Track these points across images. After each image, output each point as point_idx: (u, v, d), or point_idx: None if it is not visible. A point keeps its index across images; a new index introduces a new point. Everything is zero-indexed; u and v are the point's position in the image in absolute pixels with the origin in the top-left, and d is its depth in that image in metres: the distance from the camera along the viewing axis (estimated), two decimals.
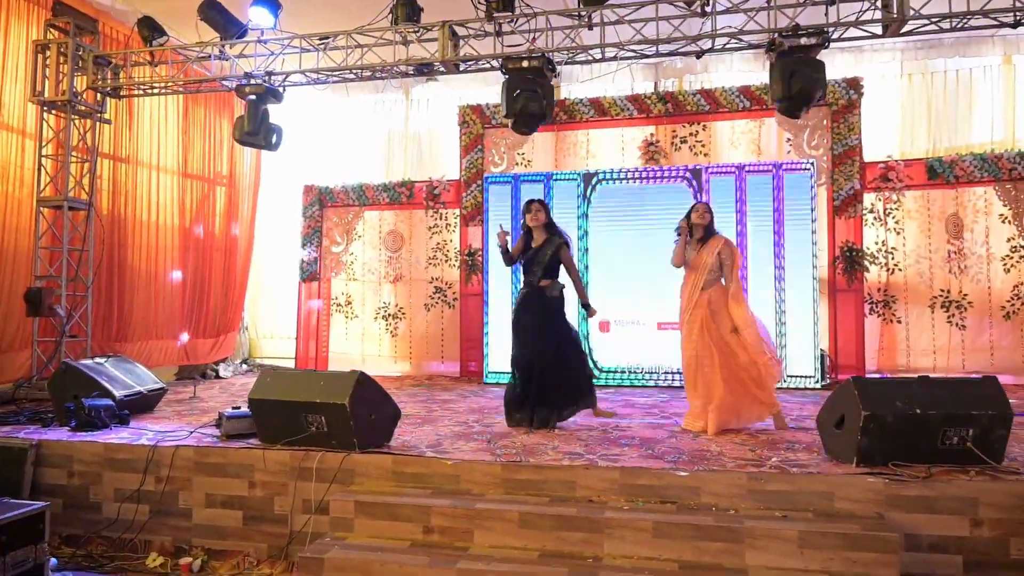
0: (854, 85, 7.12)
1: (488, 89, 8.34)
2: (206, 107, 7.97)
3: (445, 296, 8.23)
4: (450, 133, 8.30)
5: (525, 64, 4.52)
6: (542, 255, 4.72)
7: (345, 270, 8.54)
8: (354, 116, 8.93)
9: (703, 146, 7.62)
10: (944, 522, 2.95)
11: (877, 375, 7.16)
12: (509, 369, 4.81)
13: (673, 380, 6.85)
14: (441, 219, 8.28)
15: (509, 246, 4.74)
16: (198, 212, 7.97)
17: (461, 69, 5.21)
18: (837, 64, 7.52)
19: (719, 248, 4.47)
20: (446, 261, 8.25)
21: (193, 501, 3.79)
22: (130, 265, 6.90)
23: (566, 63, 5.18)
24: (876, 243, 7.22)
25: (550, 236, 4.74)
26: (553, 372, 4.63)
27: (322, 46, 5.05)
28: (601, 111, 7.73)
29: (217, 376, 7.91)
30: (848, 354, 7.05)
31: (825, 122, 7.23)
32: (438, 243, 8.28)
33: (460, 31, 5.06)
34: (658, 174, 7.15)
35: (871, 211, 7.22)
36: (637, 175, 7.24)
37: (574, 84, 8.22)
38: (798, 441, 3.91)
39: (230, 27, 5.29)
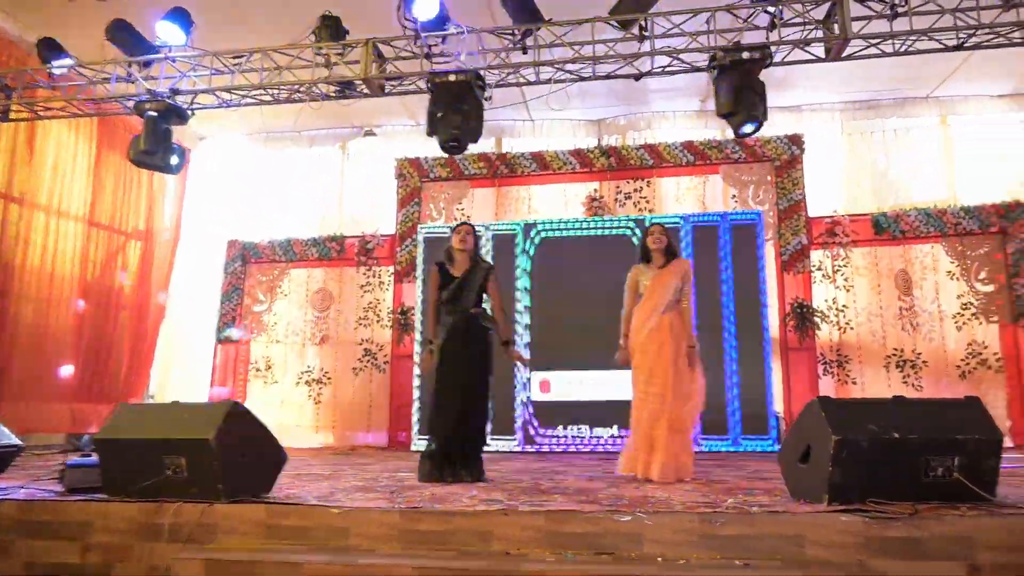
0: (796, 141, 7.05)
1: (429, 143, 8.03)
2: (124, 153, 7.42)
3: (375, 359, 7.57)
4: (387, 189, 7.92)
5: (452, 78, 4.17)
6: (472, 281, 4.12)
7: (267, 331, 7.84)
8: (287, 171, 8.50)
9: (647, 202, 7.39)
10: (937, 569, 2.39)
11: None
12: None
13: (619, 446, 6.24)
14: (374, 276, 7.75)
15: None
16: (105, 266, 7.26)
17: (386, 91, 4.85)
18: (777, 123, 7.49)
19: (684, 271, 4.12)
20: (377, 321, 7.66)
21: (7, 571, 2.97)
22: (12, 316, 6.10)
23: (497, 85, 4.87)
24: (826, 301, 6.95)
25: (476, 263, 4.20)
26: (480, 417, 4.07)
27: (236, 65, 4.65)
28: (543, 165, 7.48)
29: None
30: None
31: (769, 177, 7.11)
32: (370, 302, 7.71)
33: (386, 51, 4.74)
34: (602, 225, 6.83)
35: (819, 268, 6.99)
36: (580, 227, 6.89)
37: (516, 139, 8.02)
38: (757, 488, 3.35)
39: (139, 48, 4.86)
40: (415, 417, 6.77)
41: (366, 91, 4.72)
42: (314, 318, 7.80)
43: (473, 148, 7.97)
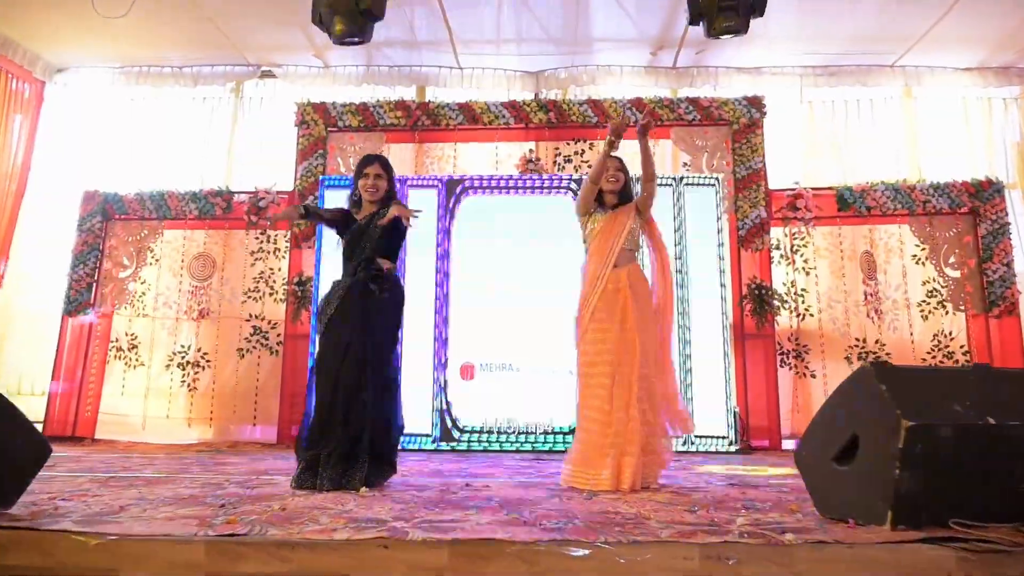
0: (756, 104, 6.27)
1: (338, 88, 6.88)
2: None
3: (266, 339, 6.31)
4: (287, 139, 6.67)
5: None
6: (373, 228, 3.20)
7: (133, 302, 6.45)
8: (166, 113, 7.12)
9: (590, 166, 6.43)
10: None
11: (792, 441, 5.97)
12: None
13: (557, 442, 5.27)
14: (268, 241, 6.49)
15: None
16: None
17: None
18: (735, 85, 6.73)
19: (632, 210, 3.28)
20: (271, 294, 6.40)
21: None
22: None
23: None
24: (784, 284, 6.18)
25: (386, 207, 3.25)
26: (382, 405, 3.07)
27: None
28: (472, 118, 6.42)
29: None
30: (760, 413, 5.81)
31: (725, 143, 6.29)
32: (261, 271, 6.44)
33: None
34: (538, 184, 5.83)
35: (778, 247, 6.23)
36: (513, 184, 5.88)
37: (442, 88, 6.94)
38: (757, 499, 2.40)
39: None
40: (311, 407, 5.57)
41: None
42: (192, 288, 6.46)
43: (390, 95, 6.94)
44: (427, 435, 5.32)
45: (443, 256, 5.67)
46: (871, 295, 6.11)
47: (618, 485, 2.70)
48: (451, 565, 1.57)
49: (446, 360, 5.46)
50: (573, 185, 5.79)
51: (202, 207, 6.47)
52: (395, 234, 3.27)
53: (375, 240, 3.20)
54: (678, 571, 1.54)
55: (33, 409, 6.49)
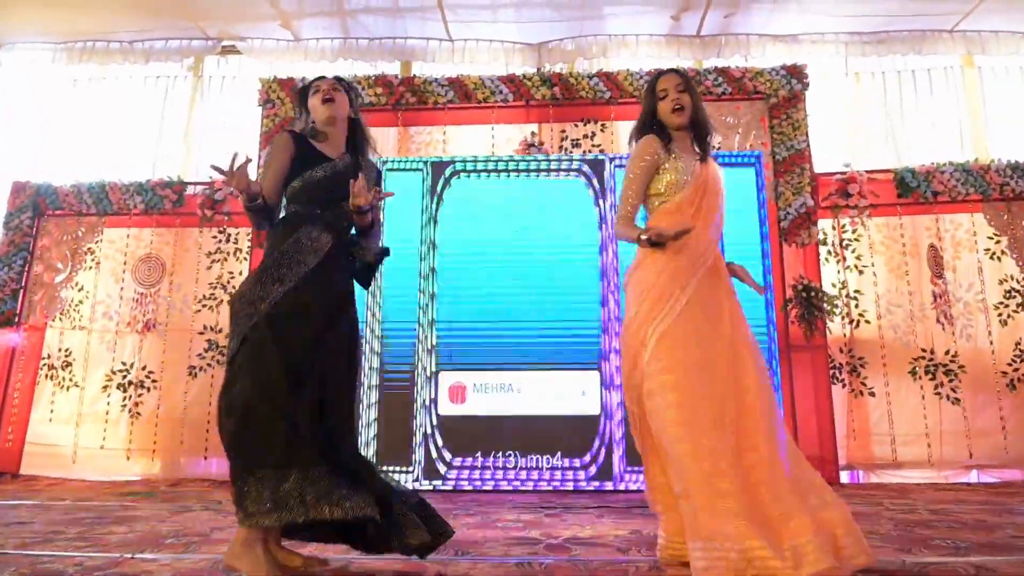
0: (796, 73, 5.35)
1: (310, 64, 5.98)
2: None
3: (223, 356, 5.35)
4: (251, 123, 5.75)
5: None
6: (354, 175, 2.23)
7: (67, 311, 5.51)
8: (113, 93, 6.22)
9: (601, 151, 5.51)
10: None
11: (849, 473, 4.98)
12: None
13: (567, 481, 4.27)
14: (227, 240, 5.56)
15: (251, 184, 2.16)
16: None
17: None
18: (769, 55, 5.81)
19: (719, 172, 2.30)
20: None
21: None
22: None
23: None
24: (834, 284, 5.22)
25: (359, 153, 2.38)
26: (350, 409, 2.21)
27: None
28: (464, 95, 5.51)
29: None
30: (810, 439, 4.82)
31: (761, 120, 5.36)
32: (219, 276, 5.50)
33: None
34: (542, 165, 4.88)
35: (824, 242, 5.27)
36: (510, 167, 4.93)
37: (430, 64, 6.03)
38: None
39: None
40: None
41: None
42: (136, 295, 5.52)
43: (370, 70, 6.04)
44: (406, 470, 4.32)
45: (428, 250, 4.72)
46: (940, 296, 5.14)
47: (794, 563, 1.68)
48: None
49: (433, 374, 4.48)
50: (585, 167, 4.84)
51: (149, 200, 5.55)
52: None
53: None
54: None
55: None
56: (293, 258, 2.12)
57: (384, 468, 4.12)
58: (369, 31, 5.90)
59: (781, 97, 5.31)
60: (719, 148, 5.34)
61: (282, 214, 2.27)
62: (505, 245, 4.66)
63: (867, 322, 5.18)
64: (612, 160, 4.84)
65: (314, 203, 2.22)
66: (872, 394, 5.08)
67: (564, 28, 5.85)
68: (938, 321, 5.10)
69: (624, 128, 5.68)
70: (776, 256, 5.12)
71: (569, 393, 4.35)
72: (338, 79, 2.38)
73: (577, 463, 4.28)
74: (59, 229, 5.62)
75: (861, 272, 5.24)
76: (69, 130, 6.08)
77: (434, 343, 4.52)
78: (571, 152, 5.47)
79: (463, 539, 2.49)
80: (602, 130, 5.59)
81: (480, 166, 4.89)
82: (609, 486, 4.26)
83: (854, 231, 5.26)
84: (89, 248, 5.60)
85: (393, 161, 4.96)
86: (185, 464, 5.27)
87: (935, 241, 5.21)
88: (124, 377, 5.38)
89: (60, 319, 5.49)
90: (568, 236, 4.63)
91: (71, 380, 5.41)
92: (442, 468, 4.31)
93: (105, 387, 5.36)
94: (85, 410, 5.33)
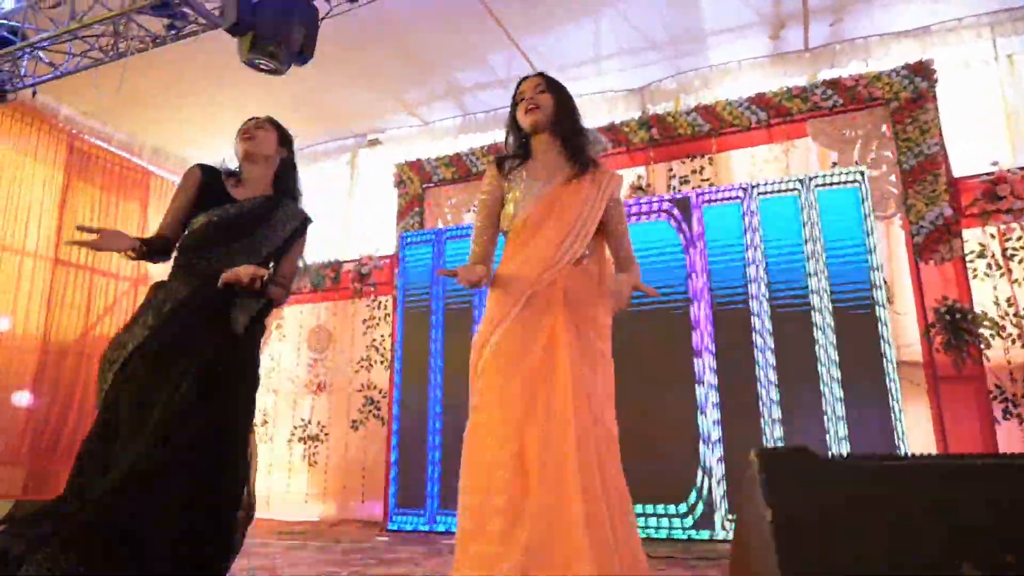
0: (921, 71, 4.78)
1: (436, 143, 6.66)
2: (104, 188, 6.71)
3: (378, 409, 6.07)
4: (391, 202, 6.56)
5: None
6: (268, 219, 2.20)
7: (263, 378, 6.62)
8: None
9: (710, 184, 5.37)
10: None
11: None
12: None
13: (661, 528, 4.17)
14: (379, 308, 6.34)
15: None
16: (80, 311, 6.46)
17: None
18: (893, 55, 5.24)
19: (611, 183, 1.99)
20: (381, 362, 6.19)
21: None
22: None
23: None
24: (997, 303, 4.47)
25: (281, 196, 2.30)
26: (189, 481, 1.88)
27: (65, 19, 3.51)
28: None
29: None
30: None
31: (883, 127, 4.86)
32: (373, 339, 6.28)
33: None
34: (629, 210, 4.92)
35: (982, 255, 4.56)
36: None
37: None
38: None
39: None
40: (392, 478, 5.15)
41: (201, 21, 3.36)
42: (311, 361, 6.50)
43: (483, 140, 6.54)
44: (420, 512, 4.58)
45: None
46: None
47: None
48: None
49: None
50: (673, 209, 4.79)
51: (315, 280, 6.54)
52: (284, 248, 2.24)
53: (261, 241, 2.15)
54: None
55: None
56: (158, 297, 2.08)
57: None
58: (483, 104, 6.43)
59: (904, 100, 4.78)
60: (835, 165, 4.94)
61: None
62: None
63: None
64: (700, 195, 4.73)
65: (200, 246, 2.12)
66: None
67: (664, 68, 5.85)
68: None
69: (733, 160, 5.50)
70: (914, 276, 4.56)
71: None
72: (269, 119, 2.33)
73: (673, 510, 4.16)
74: None
75: None
76: None
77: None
78: (679, 188, 5.41)
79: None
80: (710, 164, 5.47)
81: None
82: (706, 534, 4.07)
83: (1017, 239, 4.49)
84: (278, 324, 6.73)
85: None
86: (352, 506, 6.01)
87: None
88: (304, 432, 6.33)
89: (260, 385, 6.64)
90: (654, 274, 4.59)
91: (266, 435, 6.48)
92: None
93: (290, 440, 6.35)
94: (275, 460, 6.35)
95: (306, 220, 2.39)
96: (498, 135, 6.43)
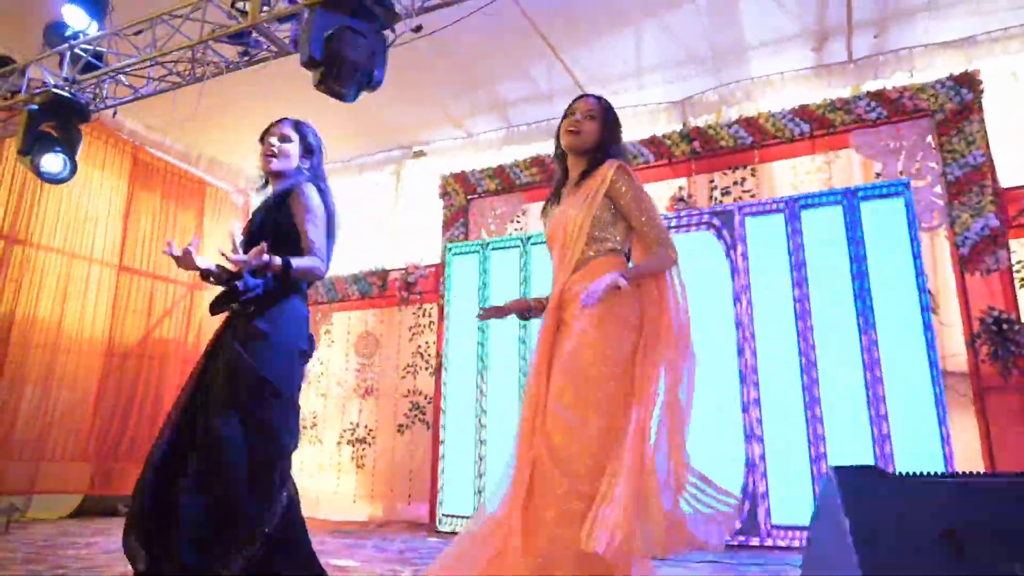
0: (967, 82, 4.79)
1: (480, 155, 6.83)
2: (164, 197, 7.04)
3: (423, 414, 6.26)
4: (436, 212, 6.75)
5: None
6: (261, 226, 2.27)
7: (312, 382, 6.89)
8: (340, 204, 7.68)
9: (753, 196, 5.44)
10: None
11: None
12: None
13: None
14: (424, 315, 6.54)
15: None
16: (142, 316, 6.78)
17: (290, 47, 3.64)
18: (938, 65, 5.26)
19: (609, 176, 1.99)
20: (426, 368, 6.37)
21: None
22: (11, 364, 5.68)
23: (425, 9, 3.43)
24: None
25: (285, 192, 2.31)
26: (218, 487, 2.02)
27: (145, 46, 3.77)
28: None
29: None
30: None
31: (928, 139, 4.88)
32: (418, 346, 6.47)
33: None
34: (671, 223, 5.02)
35: None
36: None
37: None
38: None
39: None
40: (442, 484, 5.32)
41: (273, 48, 3.57)
42: (358, 366, 6.73)
43: (531, 153, 6.68)
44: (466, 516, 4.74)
45: None
46: None
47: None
48: None
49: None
50: (716, 220, 4.88)
51: (362, 287, 6.76)
52: (284, 238, 2.19)
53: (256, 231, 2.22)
54: None
55: None
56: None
57: None
58: (525, 116, 6.59)
59: (949, 111, 4.80)
60: (879, 176, 4.98)
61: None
62: None
63: None
64: (741, 209, 4.81)
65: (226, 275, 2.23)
66: None
67: (706, 80, 5.93)
68: None
69: (775, 171, 5.56)
70: (960, 287, 4.58)
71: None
72: (294, 125, 2.34)
73: None
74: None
75: None
76: None
77: None
78: (722, 201, 5.49)
79: None
80: (752, 175, 5.54)
81: None
82: (755, 541, 4.15)
83: None
84: (327, 330, 6.97)
85: (536, 236, 5.48)
86: (399, 508, 6.20)
87: None
88: (352, 435, 6.55)
89: (307, 388, 6.88)
90: (698, 286, 4.68)
91: (316, 438, 6.72)
92: None
93: (339, 443, 6.58)
94: (325, 462, 6.58)
95: (291, 188, 2.29)
96: (541, 147, 6.58)
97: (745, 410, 4.39)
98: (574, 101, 2.13)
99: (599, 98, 2.15)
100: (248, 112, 6.31)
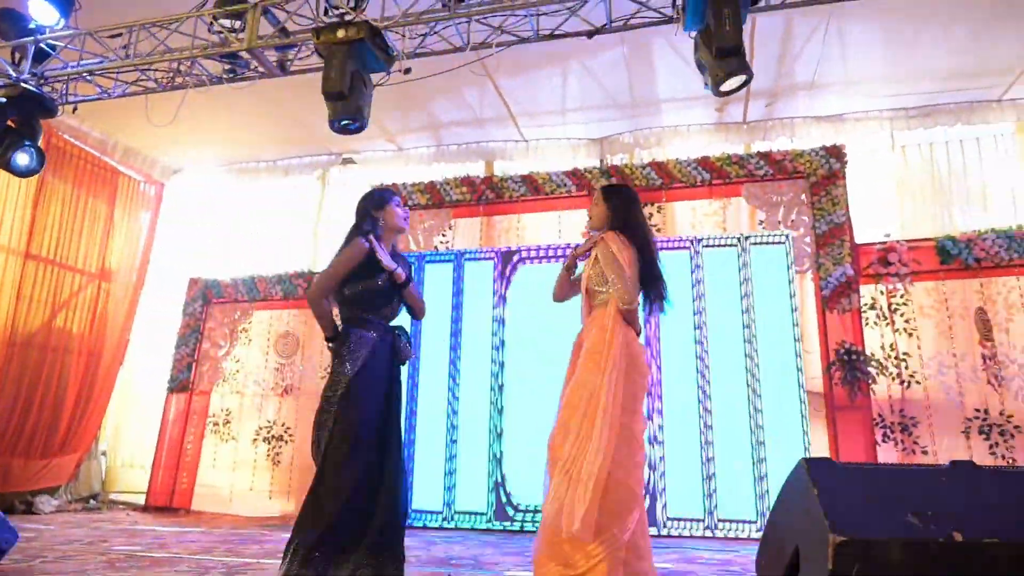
0: (835, 153, 5.81)
1: (410, 168, 7.19)
2: (75, 185, 6.79)
3: None
4: None
5: (341, 34, 3.20)
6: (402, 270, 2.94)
7: (227, 379, 6.92)
8: (261, 204, 7.76)
9: (658, 230, 6.20)
10: None
11: None
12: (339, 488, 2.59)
13: None
14: None
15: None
16: (46, 305, 6.52)
17: (288, 70, 3.92)
18: (813, 135, 6.30)
19: (595, 246, 2.79)
20: None
21: None
22: None
23: (416, 54, 3.85)
24: (883, 347, 5.52)
25: (400, 258, 3.11)
26: (405, 480, 2.83)
27: (120, 48, 3.85)
28: (535, 189, 6.45)
29: (28, 511, 6.03)
30: None
31: (803, 197, 5.85)
32: None
33: (286, 21, 3.80)
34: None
35: (872, 307, 5.61)
36: (565, 252, 5.77)
37: (508, 162, 7.05)
38: None
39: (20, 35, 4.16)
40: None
41: (260, 69, 3.82)
42: (277, 365, 6.84)
43: (460, 171, 7.13)
44: (480, 513, 5.16)
45: (499, 322, 5.64)
46: (990, 358, 5.31)
47: None
48: None
49: (502, 430, 5.33)
50: None
51: (286, 288, 6.90)
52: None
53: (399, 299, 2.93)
54: None
55: (139, 483, 7.07)
56: (349, 346, 2.89)
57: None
58: (458, 138, 7.03)
59: (820, 176, 5.80)
60: (762, 223, 5.90)
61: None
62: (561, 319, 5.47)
63: (917, 383, 5.43)
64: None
65: (368, 305, 2.89)
66: (925, 452, 5.29)
67: (623, 124, 6.67)
68: (988, 383, 5.27)
69: (677, 210, 6.36)
70: (821, 323, 5.55)
71: None
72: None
73: None
74: (221, 314, 7.11)
75: (910, 335, 5.51)
76: (229, 233, 7.66)
77: (503, 404, 5.39)
78: None
79: (505, 562, 3.27)
80: (658, 212, 6.30)
81: (541, 253, 5.79)
82: (653, 531, 4.85)
83: (900, 296, 5.57)
84: (243, 328, 7.02)
85: (470, 253, 5.96)
86: None
87: (984, 304, 5.41)
88: (269, 432, 6.66)
89: (222, 384, 6.91)
90: None
91: (229, 435, 6.76)
92: (510, 511, 5.12)
93: (254, 440, 6.67)
94: (239, 459, 6.65)
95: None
96: (469, 167, 7.06)
97: (649, 417, 5.11)
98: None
99: (601, 188, 2.96)
100: (172, 106, 6.27)
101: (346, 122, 3.29)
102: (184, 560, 3.38)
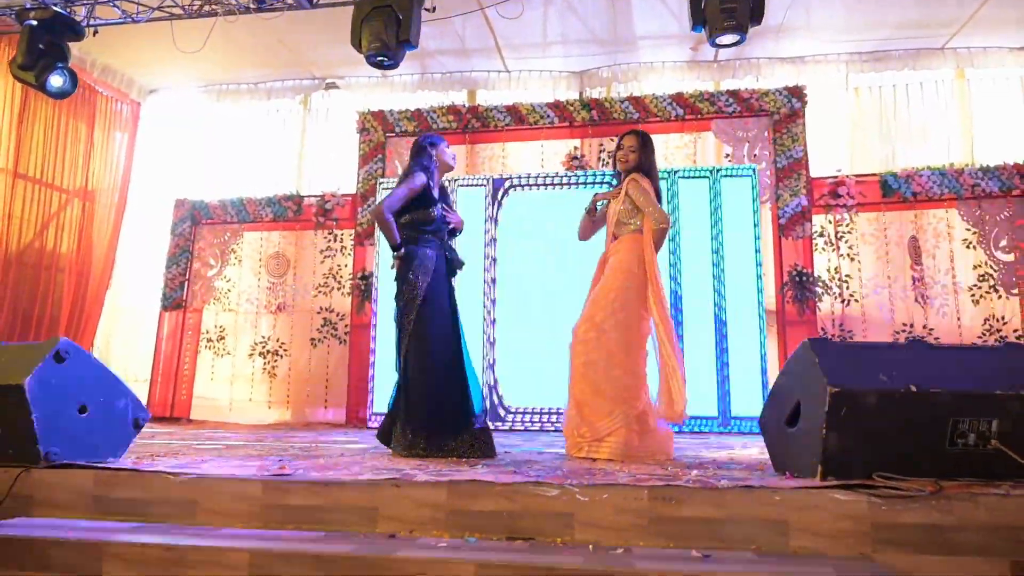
0: (796, 93, 6.36)
1: (395, 95, 7.40)
2: (57, 106, 6.72)
3: (335, 329, 6.92)
4: (349, 145, 7.24)
5: None
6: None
7: (219, 298, 7.20)
8: (244, 126, 7.84)
9: None
10: (971, 567, 1.75)
11: None
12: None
13: None
14: (335, 240, 7.09)
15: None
16: (34, 224, 6.59)
17: (315, 3, 4.13)
18: (777, 75, 6.82)
19: (625, 186, 3.39)
20: (338, 288, 7.00)
21: None
22: None
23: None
24: (828, 270, 6.27)
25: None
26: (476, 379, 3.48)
27: None
28: (519, 119, 6.80)
29: None
30: None
31: (766, 133, 6.42)
32: (330, 268, 7.04)
33: None
34: (580, 180, 6.15)
35: (821, 235, 6.31)
36: (556, 180, 6.23)
37: (491, 91, 7.35)
38: (736, 461, 2.71)
39: None
40: (373, 390, 6.14)
41: (289, 1, 4.01)
42: (269, 284, 7.15)
43: (444, 100, 7.40)
44: None
45: (490, 242, 6.11)
46: (918, 280, 6.12)
47: (611, 454, 3.02)
48: (448, 501, 1.97)
49: (494, 339, 5.89)
50: (614, 181, 6.06)
51: (276, 211, 7.13)
52: None
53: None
54: (629, 509, 1.89)
55: (139, 394, 7.37)
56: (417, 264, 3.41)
57: None
58: (442, 67, 7.25)
59: (783, 114, 6.35)
60: (730, 159, 6.46)
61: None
62: (551, 243, 5.97)
63: (856, 301, 6.22)
64: None
65: (427, 228, 3.38)
66: None
67: (602, 59, 7.03)
68: (916, 301, 6.09)
69: (654, 141, 6.84)
70: (777, 248, 6.23)
71: None
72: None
73: None
74: (211, 234, 7.30)
75: (852, 259, 6.26)
76: (213, 155, 7.75)
77: (495, 316, 5.92)
78: (607, 162, 6.68)
79: (506, 442, 3.86)
80: None
81: (531, 180, 6.22)
82: None
83: (846, 226, 6.28)
84: (233, 249, 7.25)
85: (463, 179, 6.33)
86: (309, 412, 6.88)
87: (916, 233, 6.17)
88: (264, 347, 7.03)
89: (214, 303, 7.19)
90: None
91: (225, 350, 7.10)
92: (502, 412, 5.74)
93: (250, 355, 7.03)
94: (236, 372, 7.02)
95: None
96: (453, 96, 7.32)
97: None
98: (622, 136, 3.51)
99: (639, 134, 3.49)
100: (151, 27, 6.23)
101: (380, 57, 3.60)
102: (250, 446, 3.80)
